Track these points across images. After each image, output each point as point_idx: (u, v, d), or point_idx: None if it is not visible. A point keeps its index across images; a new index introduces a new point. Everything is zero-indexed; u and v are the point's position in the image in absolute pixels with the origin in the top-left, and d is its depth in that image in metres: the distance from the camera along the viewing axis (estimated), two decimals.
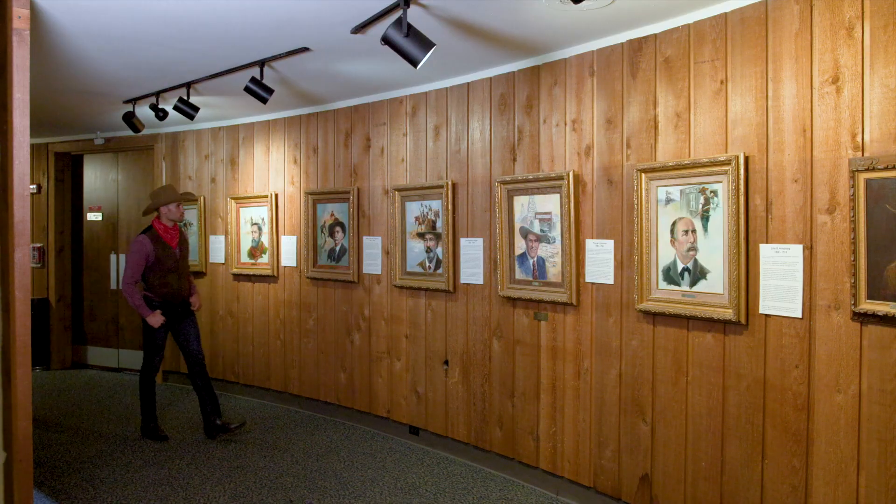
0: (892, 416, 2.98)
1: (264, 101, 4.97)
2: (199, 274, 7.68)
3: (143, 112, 6.48)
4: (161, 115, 6.00)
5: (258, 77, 4.96)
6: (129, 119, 6.27)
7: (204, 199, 7.63)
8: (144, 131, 7.27)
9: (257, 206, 7.11)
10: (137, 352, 8.56)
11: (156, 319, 5.76)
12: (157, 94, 5.87)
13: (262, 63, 4.87)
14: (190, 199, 6.46)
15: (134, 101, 6.21)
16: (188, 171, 7.81)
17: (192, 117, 5.68)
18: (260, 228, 7.10)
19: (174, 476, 5.05)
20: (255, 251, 7.15)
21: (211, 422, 5.95)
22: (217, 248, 7.55)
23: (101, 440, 5.90)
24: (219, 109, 6.75)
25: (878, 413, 3.03)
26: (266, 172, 7.09)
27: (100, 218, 8.93)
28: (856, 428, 3.12)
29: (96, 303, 8.96)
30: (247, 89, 4.94)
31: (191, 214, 7.74)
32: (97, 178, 8.96)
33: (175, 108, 5.65)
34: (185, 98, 5.68)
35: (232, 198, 7.33)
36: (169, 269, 5.85)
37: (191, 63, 4.98)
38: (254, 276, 7.18)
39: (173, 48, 4.58)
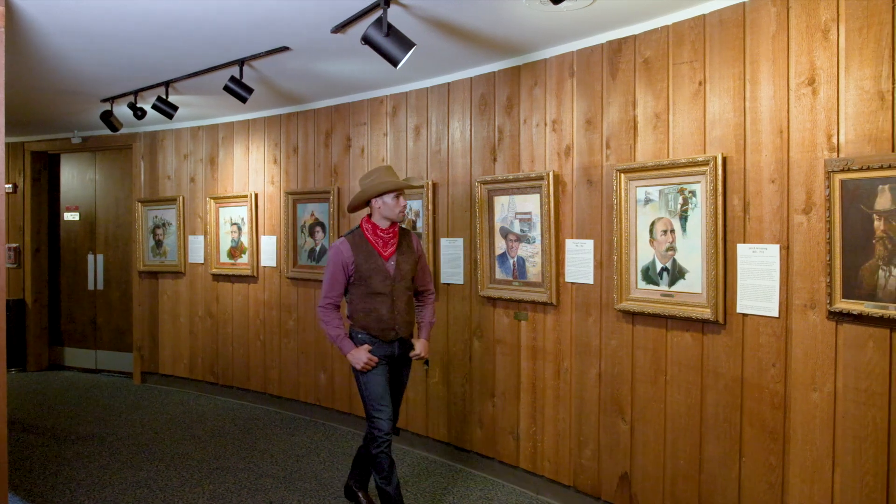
0: (867, 414, 3.02)
1: (244, 100, 4.95)
2: (178, 274, 7.62)
3: (121, 111, 6.41)
4: (139, 114, 5.95)
5: (237, 76, 4.94)
6: (107, 118, 6.21)
7: (183, 198, 7.57)
8: (122, 130, 7.20)
9: (237, 205, 7.07)
10: (115, 353, 8.51)
11: (359, 356, 4.00)
12: (136, 92, 5.82)
13: (241, 62, 4.85)
14: (413, 187, 4.50)
15: (112, 99, 6.15)
16: (167, 171, 7.76)
17: (170, 116, 5.64)
18: (240, 228, 7.06)
19: (153, 478, 5.01)
20: (235, 251, 7.11)
21: (350, 484, 4.53)
22: (196, 249, 7.49)
23: (78, 442, 5.84)
24: (198, 108, 6.70)
25: (853, 411, 3.07)
26: (246, 172, 7.05)
27: (77, 218, 8.84)
28: (831, 426, 3.15)
29: (74, 303, 8.87)
30: (226, 88, 4.92)
31: (170, 214, 7.68)
32: (74, 178, 8.87)
33: (153, 107, 5.61)
34: (164, 97, 5.64)
35: (211, 197, 7.28)
36: (375, 290, 4.07)
37: (169, 62, 4.95)
38: (233, 276, 7.14)
39: (152, 47, 4.55)
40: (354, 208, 4.25)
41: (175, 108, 5.62)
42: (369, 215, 4.17)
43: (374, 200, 4.11)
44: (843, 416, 3.11)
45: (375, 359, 4.02)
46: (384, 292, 4.08)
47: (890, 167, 2.87)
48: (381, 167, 4.17)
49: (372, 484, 4.54)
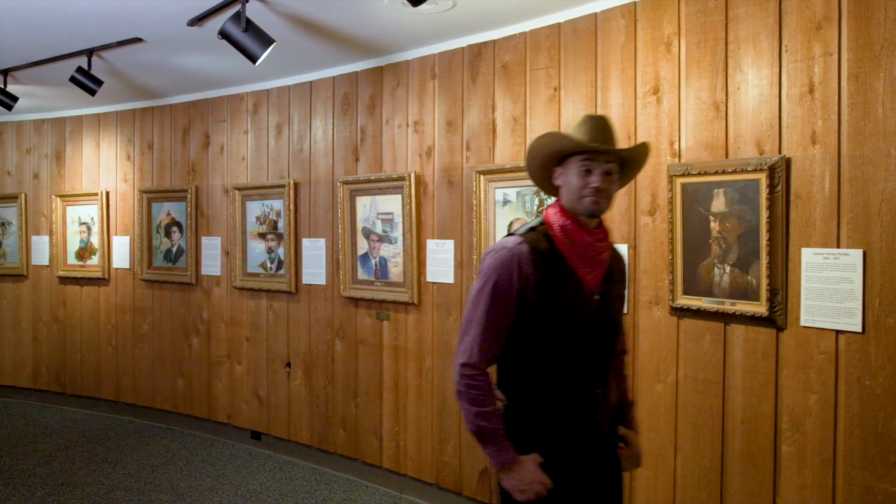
0: (704, 403, 3.23)
1: (93, 92, 4.72)
2: (20, 277, 7.12)
3: None
4: None
5: (86, 67, 4.69)
6: None
7: (25, 196, 7.08)
8: None
9: (86, 204, 6.69)
10: None
11: (525, 478, 2.14)
12: None
13: (90, 52, 4.61)
14: (609, 149, 2.23)
15: None
16: (7, 167, 7.23)
17: (9, 107, 5.30)
18: (89, 228, 6.68)
19: None
20: (84, 252, 6.72)
21: None
22: (41, 250, 7.02)
23: None
24: (42, 100, 6.30)
25: (692, 400, 3.28)
26: (96, 169, 6.68)
27: None
28: (674, 415, 3.35)
29: None
30: (73, 80, 4.66)
31: (10, 213, 7.16)
32: None
33: None
34: (2, 86, 5.27)
35: (58, 195, 6.85)
36: (568, 347, 2.20)
37: (8, 48, 4.63)
38: (82, 278, 6.74)
39: None
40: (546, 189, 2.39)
41: (15, 98, 5.27)
42: (560, 203, 2.27)
43: (557, 175, 2.28)
44: (684, 405, 3.31)
45: (549, 483, 2.14)
46: (583, 350, 2.22)
47: (724, 172, 3.08)
48: (594, 117, 2.31)
49: None
